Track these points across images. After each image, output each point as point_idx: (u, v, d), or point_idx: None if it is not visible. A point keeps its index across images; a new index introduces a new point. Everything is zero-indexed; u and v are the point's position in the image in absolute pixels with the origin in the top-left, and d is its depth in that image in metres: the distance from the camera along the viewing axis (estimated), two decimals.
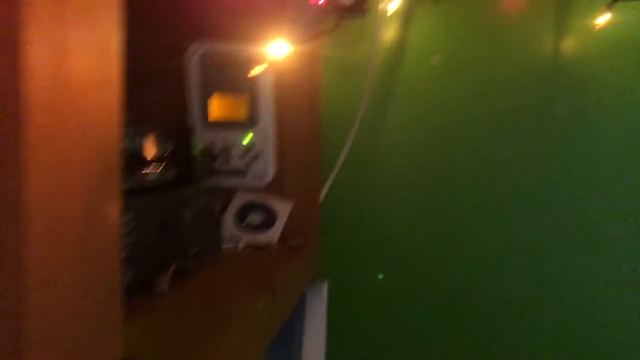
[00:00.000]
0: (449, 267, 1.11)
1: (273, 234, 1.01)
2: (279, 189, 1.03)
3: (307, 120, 1.05)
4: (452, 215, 1.11)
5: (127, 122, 0.78)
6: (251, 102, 1.02)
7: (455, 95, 1.10)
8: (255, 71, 0.90)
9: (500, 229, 1.10)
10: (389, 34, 1.10)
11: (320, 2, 1.04)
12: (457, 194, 1.10)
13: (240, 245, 0.99)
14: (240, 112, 1.03)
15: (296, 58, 1.04)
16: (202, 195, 0.88)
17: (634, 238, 1.06)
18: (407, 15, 1.09)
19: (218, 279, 0.80)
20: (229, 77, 1.02)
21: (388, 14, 1.08)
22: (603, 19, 1.03)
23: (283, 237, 1.02)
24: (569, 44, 1.07)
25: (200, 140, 1.02)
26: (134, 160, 0.70)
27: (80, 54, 0.30)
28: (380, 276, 1.13)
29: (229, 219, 1.02)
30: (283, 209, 1.04)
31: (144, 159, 0.73)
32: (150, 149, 0.77)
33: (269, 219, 1.03)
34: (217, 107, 1.03)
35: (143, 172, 0.73)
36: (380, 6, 1.03)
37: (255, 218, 1.04)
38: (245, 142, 1.03)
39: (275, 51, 0.84)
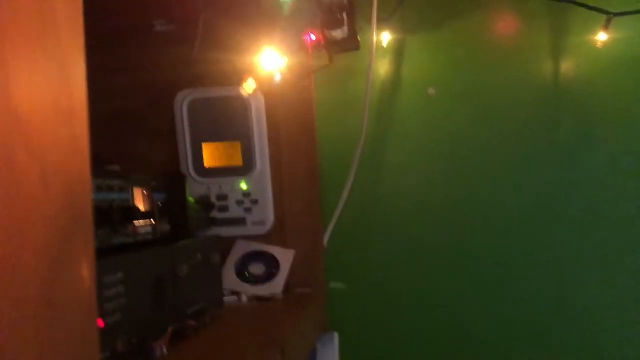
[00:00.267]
0: (456, 312, 1.05)
1: (277, 284, 0.95)
2: (280, 236, 0.99)
3: (304, 162, 1.01)
4: (458, 256, 1.05)
5: (114, 172, 0.73)
6: (246, 147, 0.98)
7: (454, 126, 1.06)
8: (246, 88, 0.86)
9: (507, 265, 1.04)
10: (383, 67, 1.07)
11: (312, 39, 1.01)
12: (463, 232, 1.05)
13: (244, 299, 0.93)
14: (235, 158, 0.99)
15: (289, 98, 1.01)
16: (199, 248, 0.83)
17: None
18: (400, 48, 1.06)
19: (221, 338, 0.73)
20: (220, 123, 0.98)
21: (382, 47, 1.05)
22: (601, 37, 1.00)
23: (288, 287, 0.96)
24: (568, 65, 1.04)
25: (195, 189, 0.98)
26: (122, 214, 0.65)
27: (34, 82, 0.25)
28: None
29: (229, 271, 0.96)
30: (286, 257, 0.98)
31: (134, 211, 0.68)
32: (141, 201, 0.72)
33: (272, 268, 0.98)
34: (211, 154, 0.99)
35: (133, 226, 0.67)
36: (373, 39, 1.00)
37: (257, 268, 0.98)
38: (242, 189, 0.98)
39: (273, 64, 0.81)
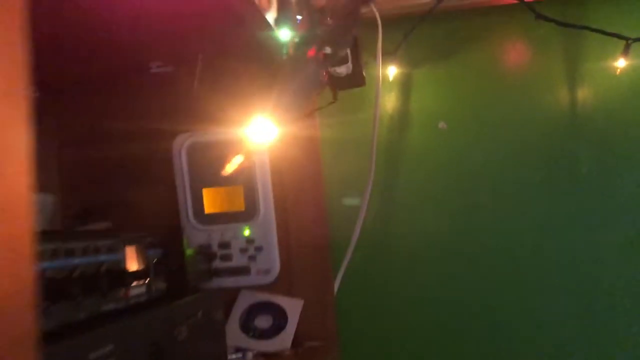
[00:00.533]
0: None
1: (285, 338, 0.89)
2: (287, 285, 0.93)
3: (311, 205, 0.95)
4: (473, 304, 0.99)
5: (103, 232, 0.68)
6: (248, 192, 0.92)
7: (467, 162, 1.01)
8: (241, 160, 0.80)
9: (522, 307, 0.98)
10: (390, 102, 1.02)
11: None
12: (479, 280, 0.99)
13: (249, 356, 0.86)
14: (237, 203, 0.93)
15: (293, 140, 0.96)
16: (199, 305, 0.76)
17: None
18: (407, 81, 1.01)
19: None
20: (220, 166, 0.92)
21: (388, 81, 1.00)
22: (620, 63, 0.95)
23: (297, 340, 0.90)
24: (585, 94, 0.99)
25: (196, 237, 0.92)
26: (112, 277, 0.59)
27: None
28: None
29: (233, 325, 0.90)
30: (294, 307, 0.92)
31: (126, 273, 0.62)
32: (134, 260, 0.66)
33: (279, 320, 0.91)
34: (212, 199, 0.94)
35: (125, 289, 0.61)
36: (379, 74, 0.95)
37: (263, 321, 0.92)
38: (245, 235, 0.92)
39: (266, 134, 0.74)
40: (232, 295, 0.93)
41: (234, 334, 0.89)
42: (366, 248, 1.00)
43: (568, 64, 0.99)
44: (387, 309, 1.00)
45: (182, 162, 0.93)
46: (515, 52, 1.00)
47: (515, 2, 0.89)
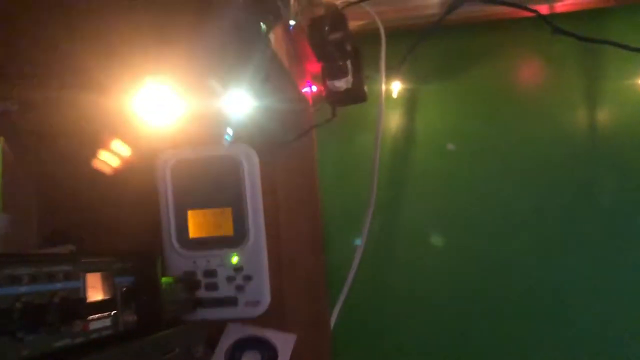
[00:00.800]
0: None
1: None
2: (279, 318, 0.87)
3: (306, 231, 0.89)
4: (477, 342, 0.91)
5: (58, 256, 0.60)
6: (237, 214, 0.85)
7: (475, 188, 0.93)
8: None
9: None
10: (394, 120, 0.96)
11: (313, 90, 0.90)
12: (485, 316, 0.91)
13: None
14: (225, 227, 0.86)
15: (287, 157, 0.89)
16: (176, 340, 0.68)
17: None
18: (412, 98, 0.95)
19: None
20: (207, 187, 0.85)
21: (392, 98, 0.93)
22: None
23: None
24: (605, 114, 0.92)
25: (179, 264, 0.85)
26: (67, 308, 0.51)
27: None
28: None
29: None
30: (285, 343, 0.85)
31: (85, 303, 0.54)
32: (98, 288, 0.58)
33: (269, 358, 0.84)
34: (197, 223, 0.87)
35: (83, 322, 0.53)
36: (382, 89, 0.88)
37: (251, 357, 0.85)
38: (233, 262, 0.85)
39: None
40: (217, 328, 0.86)
41: None
42: (366, 280, 0.93)
43: (587, 82, 0.92)
44: (389, 347, 0.92)
45: (166, 181, 0.86)
46: (529, 69, 0.94)
47: (530, 14, 0.82)
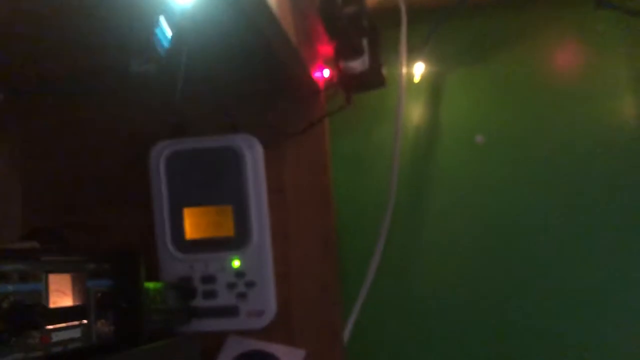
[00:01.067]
0: None
1: None
2: (286, 331, 0.82)
3: (317, 232, 0.84)
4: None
5: (13, 252, 0.52)
6: (239, 213, 0.79)
7: (509, 187, 0.86)
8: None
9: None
10: (416, 108, 0.89)
11: (325, 76, 0.81)
12: (517, 336, 0.84)
13: None
14: (226, 227, 0.80)
15: (296, 150, 0.82)
16: (164, 355, 0.59)
17: None
18: (436, 84, 0.88)
19: None
20: (206, 182, 0.80)
21: (413, 83, 0.85)
22: None
23: None
24: None
25: (174, 269, 0.79)
26: (21, 316, 0.42)
27: None
28: None
29: None
30: (293, 359, 0.79)
31: (46, 310, 0.45)
32: (67, 292, 0.49)
33: None
34: (195, 222, 0.82)
35: (41, 333, 0.44)
36: (402, 73, 0.80)
37: None
38: (234, 267, 0.80)
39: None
40: (216, 341, 0.81)
41: None
42: (384, 289, 0.86)
43: (634, 64, 0.84)
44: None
45: (160, 175, 0.79)
46: (568, 52, 0.86)
47: None
